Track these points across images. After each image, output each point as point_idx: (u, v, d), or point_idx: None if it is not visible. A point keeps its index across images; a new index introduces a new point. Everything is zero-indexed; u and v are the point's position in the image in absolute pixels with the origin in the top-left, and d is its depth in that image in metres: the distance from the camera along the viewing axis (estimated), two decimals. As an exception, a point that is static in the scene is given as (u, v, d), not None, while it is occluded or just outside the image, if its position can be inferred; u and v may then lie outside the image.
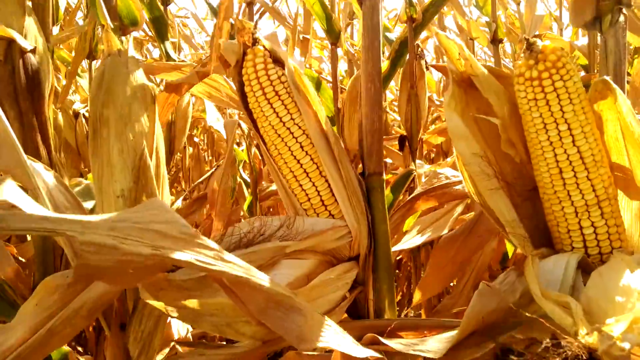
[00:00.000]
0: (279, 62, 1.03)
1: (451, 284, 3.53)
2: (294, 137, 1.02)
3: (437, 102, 3.55)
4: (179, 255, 0.67)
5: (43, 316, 0.91)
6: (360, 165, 1.11)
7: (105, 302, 0.99)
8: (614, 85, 0.87)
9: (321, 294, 0.98)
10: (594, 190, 0.92)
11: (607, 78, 0.88)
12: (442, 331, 1.04)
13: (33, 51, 1.16)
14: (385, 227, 1.08)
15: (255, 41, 1.01)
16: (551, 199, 0.94)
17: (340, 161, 1.02)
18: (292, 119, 1.02)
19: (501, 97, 0.93)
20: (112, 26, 1.02)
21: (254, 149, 2.47)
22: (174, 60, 2.77)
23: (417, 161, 2.42)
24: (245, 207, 2.58)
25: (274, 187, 2.92)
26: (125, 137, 1.00)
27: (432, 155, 4.12)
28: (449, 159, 2.65)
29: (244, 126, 2.55)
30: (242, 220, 2.83)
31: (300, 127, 1.02)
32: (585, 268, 0.91)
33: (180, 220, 0.71)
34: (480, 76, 0.92)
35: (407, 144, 2.40)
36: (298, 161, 1.02)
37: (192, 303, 0.82)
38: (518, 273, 0.98)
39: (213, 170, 3.04)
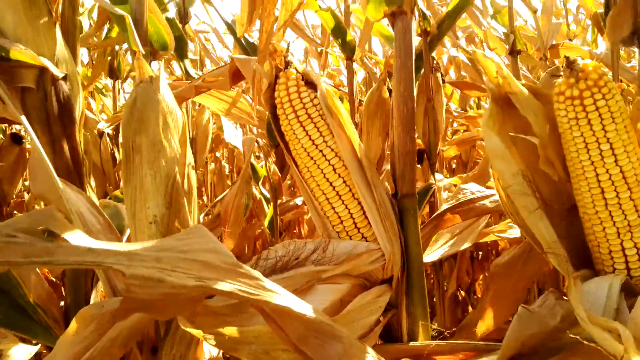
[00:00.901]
0: (311, 84, 1.03)
1: (475, 297, 3.49)
2: (326, 159, 1.01)
3: (455, 114, 3.53)
4: (222, 286, 0.67)
5: (81, 347, 0.91)
6: (393, 186, 1.10)
7: (141, 330, 0.98)
8: (658, 104, 0.85)
9: (356, 318, 0.97)
10: (637, 211, 0.89)
11: (649, 96, 0.86)
12: (478, 354, 1.02)
13: (64, 78, 1.17)
14: (419, 249, 1.06)
15: (287, 64, 1.01)
16: (592, 219, 0.92)
17: (373, 184, 1.01)
18: (324, 141, 1.01)
19: (539, 115, 0.92)
20: (143, 52, 1.02)
21: (272, 165, 2.47)
22: (193, 78, 2.79)
23: (437, 175, 2.41)
24: (266, 222, 2.57)
25: (293, 201, 2.91)
26: (157, 164, 1.00)
27: (453, 165, 4.10)
28: (470, 173, 2.63)
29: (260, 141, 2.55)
30: (260, 235, 2.82)
31: (332, 150, 1.01)
32: (628, 290, 0.89)
33: (223, 249, 0.71)
34: (518, 94, 0.91)
35: (425, 157, 2.39)
36: (331, 184, 1.02)
37: (230, 330, 0.81)
38: (557, 296, 0.96)
39: (233, 185, 3.05)
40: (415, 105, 1.04)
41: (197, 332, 0.80)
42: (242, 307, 0.85)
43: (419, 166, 2.59)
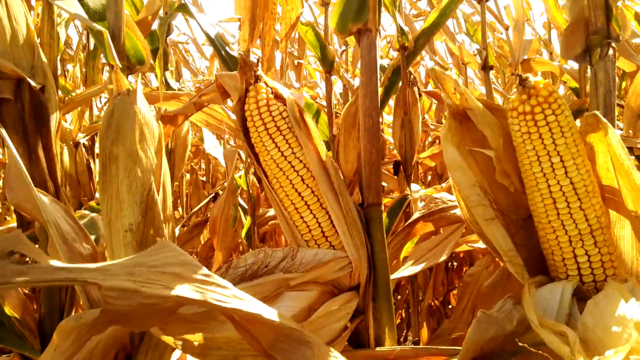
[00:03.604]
0: (280, 98, 1.07)
1: (450, 306, 3.55)
2: (295, 170, 1.05)
3: (432, 127, 3.61)
4: (196, 296, 0.70)
5: (61, 359, 0.93)
6: (359, 196, 1.14)
7: (119, 340, 1.00)
8: (604, 120, 0.91)
9: (324, 324, 1.00)
10: (586, 220, 0.95)
11: (597, 113, 0.92)
12: (441, 358, 1.07)
13: (42, 89, 1.20)
14: (384, 257, 1.10)
15: (257, 78, 1.05)
16: (546, 228, 0.98)
17: (340, 193, 1.05)
18: (293, 152, 1.05)
19: (495, 129, 0.97)
20: (120, 66, 1.06)
21: (251, 176, 2.50)
22: (173, 90, 2.82)
23: (413, 185, 2.46)
24: (243, 233, 2.59)
25: (270, 212, 2.94)
26: (133, 174, 1.03)
27: (429, 177, 4.17)
28: (444, 184, 2.69)
29: (241, 153, 2.58)
30: (240, 246, 2.83)
31: (301, 161, 1.05)
32: (580, 296, 0.94)
33: (193, 261, 0.74)
34: (475, 109, 0.96)
35: (401, 168, 2.45)
36: (299, 193, 1.06)
37: (200, 337, 0.84)
38: (514, 301, 1.01)
39: (210, 196, 3.06)
40: (380, 118, 1.09)
41: (168, 339, 0.83)
42: (212, 315, 0.89)
43: (395, 177, 2.65)
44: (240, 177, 2.70)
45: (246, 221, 2.56)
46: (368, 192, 1.10)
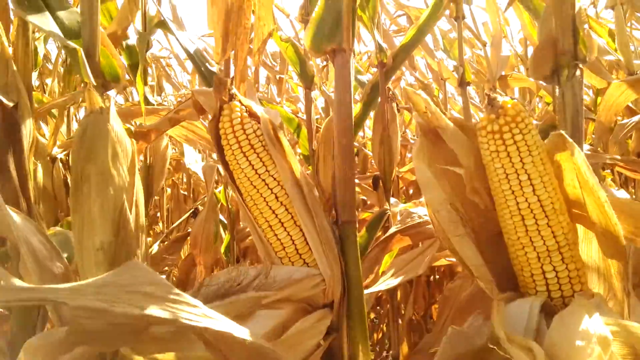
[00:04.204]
0: (254, 116, 1.08)
1: (432, 319, 3.56)
2: (269, 188, 1.06)
3: (412, 141, 3.64)
4: (166, 315, 0.70)
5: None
6: (334, 212, 1.15)
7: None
8: (570, 140, 0.93)
9: (297, 342, 1.00)
10: (554, 237, 0.97)
11: (563, 133, 0.94)
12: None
13: (15, 106, 1.19)
14: (358, 274, 1.11)
15: (231, 97, 1.06)
16: (515, 244, 0.99)
17: (314, 211, 1.06)
18: (267, 170, 1.06)
19: (465, 147, 0.99)
20: (94, 83, 1.06)
21: (230, 192, 2.50)
22: (152, 104, 2.81)
23: (392, 200, 2.47)
24: (222, 248, 2.58)
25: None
26: (105, 193, 1.03)
27: (411, 191, 4.19)
28: (422, 199, 2.71)
29: (220, 168, 2.58)
30: (218, 262, 2.82)
31: (275, 179, 1.06)
32: (548, 311, 0.96)
33: (162, 280, 0.74)
34: (445, 128, 0.98)
35: (380, 183, 2.47)
36: (273, 211, 1.06)
37: (171, 356, 0.84)
38: (485, 316, 1.02)
39: (190, 212, 3.05)
40: (353, 136, 1.11)
41: (138, 359, 0.82)
42: (183, 334, 0.88)
43: (375, 192, 2.67)
44: (219, 192, 2.69)
45: (226, 236, 2.55)
46: (343, 209, 1.10)
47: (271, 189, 1.06)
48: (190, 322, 0.74)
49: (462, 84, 2.40)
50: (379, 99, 2.25)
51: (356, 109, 2.30)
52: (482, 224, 1.04)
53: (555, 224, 0.97)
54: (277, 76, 3.96)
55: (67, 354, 0.94)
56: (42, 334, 1.04)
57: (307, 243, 1.07)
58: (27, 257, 1.08)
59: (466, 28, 3.51)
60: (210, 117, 1.08)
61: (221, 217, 2.63)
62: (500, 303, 0.94)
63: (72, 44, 1.12)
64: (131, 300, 0.71)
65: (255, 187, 1.05)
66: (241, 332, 0.79)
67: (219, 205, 2.75)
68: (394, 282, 1.79)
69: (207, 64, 2.58)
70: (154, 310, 0.71)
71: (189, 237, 2.37)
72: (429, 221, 1.83)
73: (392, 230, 1.88)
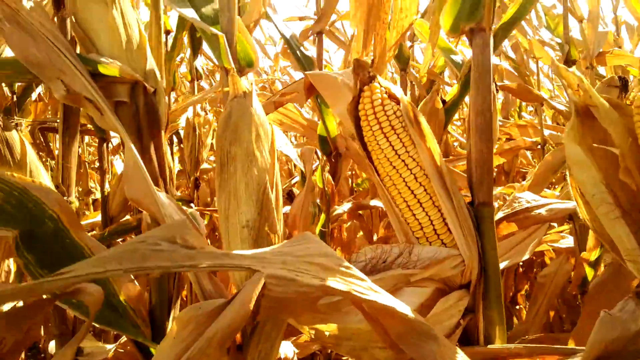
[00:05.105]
0: (393, 97, 1.09)
1: (517, 307, 3.48)
2: (408, 168, 1.07)
3: (500, 123, 3.54)
4: (339, 286, 0.73)
5: (181, 347, 0.97)
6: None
7: (235, 330, 1.05)
8: None
9: (439, 320, 1.02)
10: None
11: None
12: (558, 357, 1.06)
13: (154, 92, 1.26)
14: (495, 255, 1.10)
15: (371, 78, 1.07)
16: (672, 227, 0.95)
17: (452, 192, 1.06)
18: (406, 151, 1.07)
19: (619, 127, 0.96)
20: (235, 68, 1.10)
21: (326, 174, 2.53)
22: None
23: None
24: (317, 230, 2.63)
25: (338, 210, 2.97)
26: (250, 173, 1.07)
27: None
28: (524, 182, 2.64)
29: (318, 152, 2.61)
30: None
31: (414, 160, 1.07)
32: None
33: (334, 253, 0.77)
34: (599, 106, 0.95)
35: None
36: (412, 192, 1.07)
37: (332, 327, 0.87)
38: (636, 301, 0.99)
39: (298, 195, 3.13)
40: (491, 117, 1.09)
41: (303, 328, 0.86)
42: (337, 306, 0.91)
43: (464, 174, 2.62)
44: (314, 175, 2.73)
45: (321, 218, 2.59)
46: (479, 190, 1.10)
47: (410, 170, 1.06)
48: (360, 295, 0.76)
49: (568, 62, 2.30)
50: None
51: (453, 90, 2.27)
52: (632, 205, 1.01)
53: None
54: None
55: (216, 323, 1.00)
56: (193, 306, 1.10)
57: (445, 224, 1.07)
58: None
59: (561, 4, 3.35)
60: (348, 99, 1.09)
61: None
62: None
63: (214, 30, 1.17)
64: (310, 271, 0.74)
65: (394, 167, 1.06)
66: (402, 307, 0.81)
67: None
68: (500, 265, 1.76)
69: (301, 48, 2.61)
70: (331, 282, 0.74)
71: (287, 219, 2.42)
72: (537, 206, 1.79)
73: (500, 215, 1.85)
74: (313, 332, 0.86)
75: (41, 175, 1.45)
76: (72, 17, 1.23)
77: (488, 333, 1.10)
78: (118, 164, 4.04)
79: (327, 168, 2.56)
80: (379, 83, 1.08)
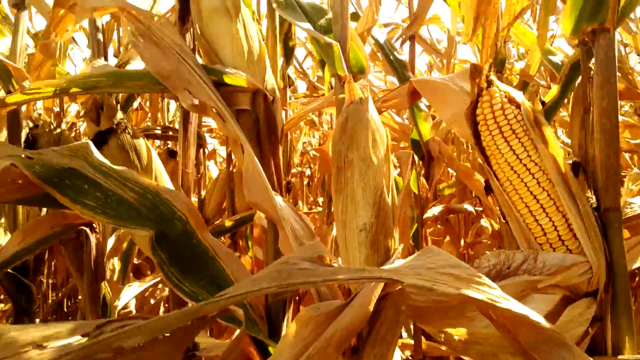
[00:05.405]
0: (513, 101, 1.07)
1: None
2: (530, 173, 1.05)
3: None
4: (476, 295, 0.74)
5: (300, 346, 1.02)
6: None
7: (353, 332, 1.08)
8: None
9: (566, 329, 0.99)
10: None
11: None
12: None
13: (272, 100, 1.32)
14: (624, 262, 1.06)
15: (489, 83, 1.07)
16: None
17: (577, 197, 1.03)
18: (528, 155, 1.05)
19: None
20: (349, 76, 1.13)
21: (422, 179, 2.53)
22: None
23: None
24: (411, 234, 2.63)
25: (427, 214, 2.94)
26: (367, 177, 1.10)
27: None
28: (632, 187, 2.49)
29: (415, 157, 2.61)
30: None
31: (536, 164, 1.05)
32: None
33: (462, 263, 0.78)
34: None
35: (581, 170, 2.31)
36: (534, 197, 1.05)
37: (461, 332, 0.88)
38: None
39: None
40: (617, 119, 1.05)
41: (432, 331, 0.87)
42: (463, 311, 0.92)
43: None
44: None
45: (414, 223, 2.59)
46: (605, 195, 1.06)
47: (533, 174, 1.05)
48: (495, 304, 0.77)
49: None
50: (580, 79, 2.11)
51: (552, 91, 2.19)
52: None
53: None
54: (454, 60, 3.91)
55: (335, 324, 1.03)
56: (312, 306, 1.15)
57: (570, 230, 1.04)
58: (290, 236, 1.20)
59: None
60: (466, 104, 1.09)
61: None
62: None
63: (328, 39, 1.21)
64: (445, 281, 0.75)
65: (516, 172, 1.05)
66: (534, 315, 0.80)
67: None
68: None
69: (394, 53, 2.62)
70: (467, 291, 0.75)
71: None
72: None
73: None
74: (442, 336, 0.87)
75: (164, 179, 1.56)
76: (197, 29, 1.31)
77: (617, 342, 1.06)
78: (213, 169, 4.24)
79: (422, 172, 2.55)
80: (498, 87, 1.07)
